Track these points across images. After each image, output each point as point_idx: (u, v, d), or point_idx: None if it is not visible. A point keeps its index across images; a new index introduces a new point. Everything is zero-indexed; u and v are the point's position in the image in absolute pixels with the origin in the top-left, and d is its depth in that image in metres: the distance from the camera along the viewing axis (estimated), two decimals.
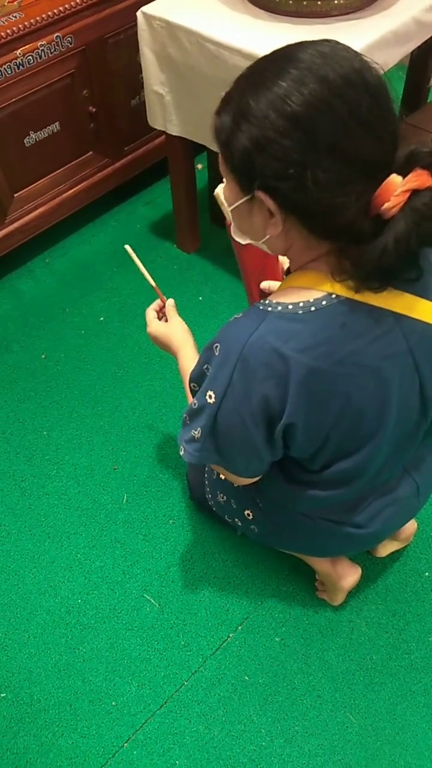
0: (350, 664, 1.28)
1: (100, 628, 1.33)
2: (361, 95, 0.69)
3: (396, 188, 0.70)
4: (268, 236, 0.80)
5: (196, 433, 0.92)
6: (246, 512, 1.18)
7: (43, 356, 1.80)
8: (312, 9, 1.42)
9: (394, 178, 0.71)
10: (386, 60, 1.45)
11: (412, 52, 1.80)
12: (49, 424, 1.65)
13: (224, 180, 0.82)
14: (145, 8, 1.52)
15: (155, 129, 1.74)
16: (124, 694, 1.26)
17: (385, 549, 1.37)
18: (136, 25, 1.55)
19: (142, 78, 1.66)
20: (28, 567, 1.42)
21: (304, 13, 1.43)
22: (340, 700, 1.24)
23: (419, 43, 1.55)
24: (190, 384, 0.97)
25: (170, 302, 1.21)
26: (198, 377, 0.92)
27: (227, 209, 0.92)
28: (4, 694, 1.27)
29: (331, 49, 0.71)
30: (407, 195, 0.70)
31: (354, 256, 0.75)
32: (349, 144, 0.70)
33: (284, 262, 1.15)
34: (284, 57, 0.72)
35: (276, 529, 1.16)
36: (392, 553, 1.39)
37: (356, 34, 1.38)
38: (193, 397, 0.95)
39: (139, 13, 1.53)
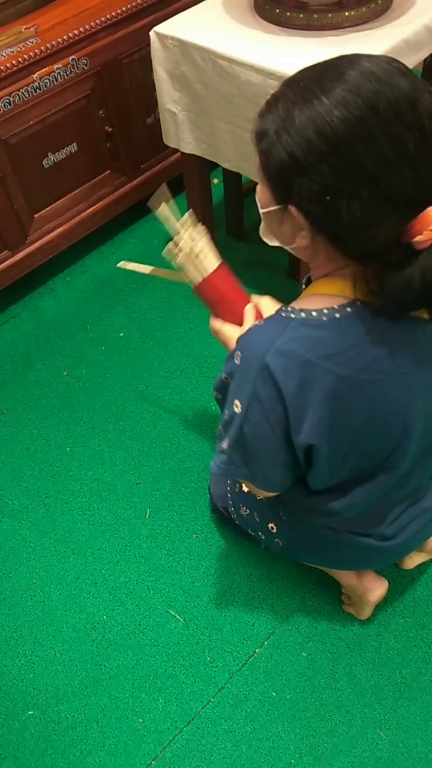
0: (379, 679, 1.26)
1: (125, 644, 1.33)
2: (410, 130, 0.67)
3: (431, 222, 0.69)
4: (296, 244, 0.81)
5: (225, 444, 0.91)
6: (270, 525, 1.17)
7: (66, 373, 1.82)
8: (322, 22, 1.43)
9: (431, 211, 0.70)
10: None
11: (425, 60, 1.80)
12: (72, 440, 1.67)
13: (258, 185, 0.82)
14: (158, 28, 1.54)
15: (170, 146, 1.76)
16: (151, 710, 1.25)
17: (413, 561, 1.35)
18: (149, 44, 1.58)
19: (156, 96, 1.68)
20: (54, 583, 1.43)
21: (315, 26, 1.44)
22: (369, 716, 1.22)
23: None
24: (213, 393, 0.97)
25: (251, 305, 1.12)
26: (220, 386, 0.92)
27: (190, 266, 0.93)
28: (31, 712, 1.27)
29: (384, 70, 0.68)
30: None
31: (377, 281, 0.75)
32: (390, 179, 0.68)
33: (261, 307, 1.10)
34: (333, 71, 0.69)
35: (300, 542, 1.15)
36: (420, 565, 1.37)
37: (368, 45, 1.39)
38: (221, 407, 0.94)
39: (152, 33, 1.55)
